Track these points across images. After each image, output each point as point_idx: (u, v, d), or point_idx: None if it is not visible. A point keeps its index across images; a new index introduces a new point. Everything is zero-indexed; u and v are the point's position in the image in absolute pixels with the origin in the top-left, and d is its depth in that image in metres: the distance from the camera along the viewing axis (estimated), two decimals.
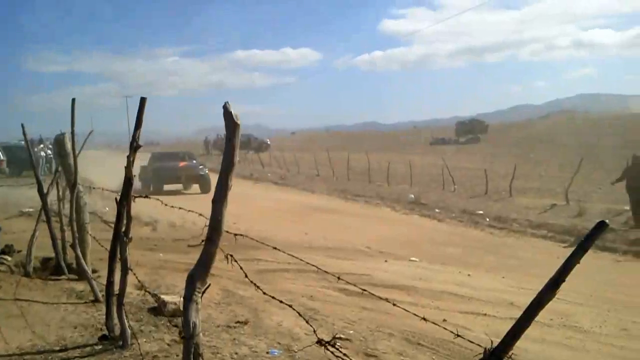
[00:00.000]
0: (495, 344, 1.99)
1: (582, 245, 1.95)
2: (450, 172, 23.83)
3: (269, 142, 59.91)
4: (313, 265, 3.46)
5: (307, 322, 2.60)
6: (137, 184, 22.12)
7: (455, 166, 28.23)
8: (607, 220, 1.98)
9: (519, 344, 5.19)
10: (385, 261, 9.91)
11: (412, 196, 21.45)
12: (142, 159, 23.25)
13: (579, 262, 1.96)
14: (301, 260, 3.50)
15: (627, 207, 15.15)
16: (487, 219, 17.07)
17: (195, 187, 24.69)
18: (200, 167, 25.30)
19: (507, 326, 2.01)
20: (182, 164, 24.95)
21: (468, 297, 7.20)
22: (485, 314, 6.40)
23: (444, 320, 5.58)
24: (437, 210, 18.84)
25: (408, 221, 17.53)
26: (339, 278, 2.79)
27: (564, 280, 1.97)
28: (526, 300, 2.01)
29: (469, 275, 9.02)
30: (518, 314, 2.00)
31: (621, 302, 8.35)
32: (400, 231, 14.94)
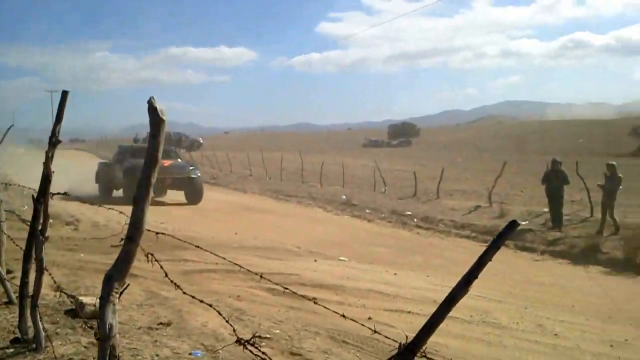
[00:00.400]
0: (410, 339, 2.04)
1: (495, 243, 2.02)
2: (382, 174, 24.26)
3: (201, 141, 58.75)
4: (238, 265, 3.42)
5: (227, 321, 2.57)
6: (94, 187, 19.73)
7: (387, 168, 28.78)
8: (518, 220, 2.06)
9: (440, 339, 5.34)
10: (315, 261, 9.95)
11: (344, 197, 21.68)
12: (94, 157, 21.35)
13: (491, 260, 2.02)
14: (225, 259, 3.45)
15: (546, 209, 15.90)
16: (415, 220, 17.48)
17: (179, 195, 19.49)
18: (191, 168, 19.90)
19: None
20: (166, 162, 17.94)
21: (393, 296, 7.35)
22: (409, 312, 6.56)
23: (369, 318, 5.68)
24: (367, 211, 19.13)
25: (339, 221, 17.71)
26: (261, 277, 2.78)
27: (476, 277, 2.03)
28: None
29: (395, 274, 9.20)
30: None
31: (537, 299, 8.77)
32: (331, 231, 15.07)
